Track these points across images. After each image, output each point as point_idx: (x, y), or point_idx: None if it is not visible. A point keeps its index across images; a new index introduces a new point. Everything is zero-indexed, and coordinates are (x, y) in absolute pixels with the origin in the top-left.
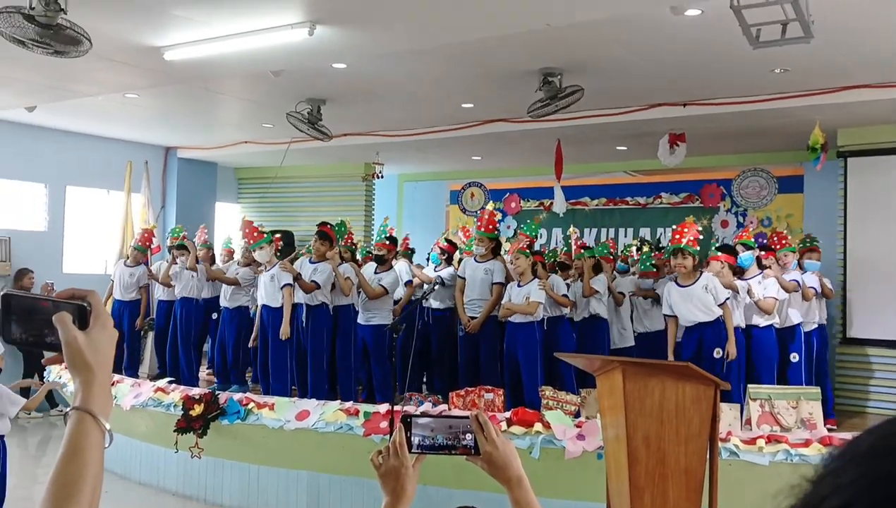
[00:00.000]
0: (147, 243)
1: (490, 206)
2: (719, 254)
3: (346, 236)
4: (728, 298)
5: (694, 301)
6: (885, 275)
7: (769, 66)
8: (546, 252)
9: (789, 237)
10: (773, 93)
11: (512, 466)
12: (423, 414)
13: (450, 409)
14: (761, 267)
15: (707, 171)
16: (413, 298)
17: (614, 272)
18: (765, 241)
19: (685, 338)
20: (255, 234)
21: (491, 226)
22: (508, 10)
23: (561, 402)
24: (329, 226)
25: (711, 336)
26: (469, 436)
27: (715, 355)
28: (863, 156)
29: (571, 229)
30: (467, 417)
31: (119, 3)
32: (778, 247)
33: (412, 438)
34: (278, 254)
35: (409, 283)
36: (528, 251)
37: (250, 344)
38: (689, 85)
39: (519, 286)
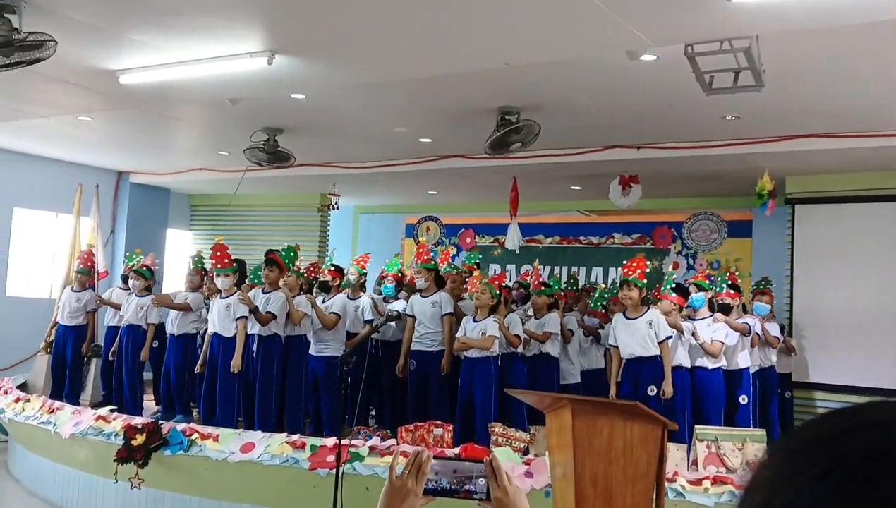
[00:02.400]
0: (89, 264)
1: (423, 239)
2: (672, 293)
3: (296, 261)
4: (670, 337)
5: (635, 334)
6: (831, 320)
7: (721, 113)
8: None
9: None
10: (725, 140)
11: None
12: (437, 457)
13: (398, 444)
14: (713, 309)
15: (659, 214)
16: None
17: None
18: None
19: (624, 374)
20: (227, 261)
21: (426, 257)
22: (468, 49)
23: (510, 439)
24: (277, 253)
25: (647, 373)
26: (481, 482)
27: (649, 392)
28: (810, 203)
29: (536, 263)
30: (480, 462)
31: (74, 26)
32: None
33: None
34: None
35: (369, 323)
36: (493, 285)
37: (196, 370)
38: (643, 128)
39: (475, 321)
